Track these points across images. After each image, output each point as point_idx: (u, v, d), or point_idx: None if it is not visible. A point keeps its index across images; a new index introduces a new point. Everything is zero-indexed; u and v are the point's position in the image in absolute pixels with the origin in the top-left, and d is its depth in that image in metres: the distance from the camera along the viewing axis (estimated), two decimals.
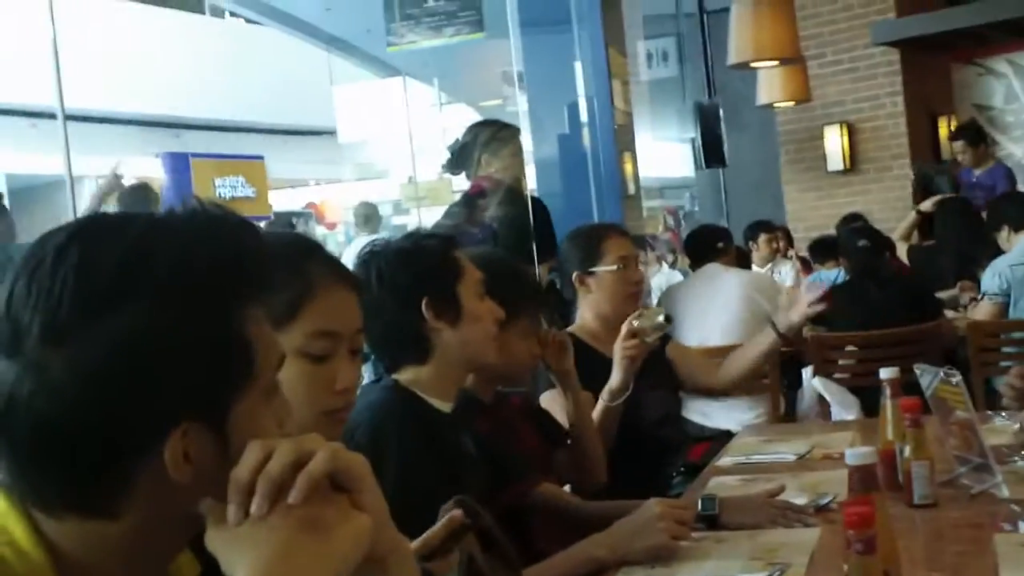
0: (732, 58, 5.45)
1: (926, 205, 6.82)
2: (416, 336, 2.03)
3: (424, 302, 2.02)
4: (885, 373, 2.22)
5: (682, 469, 2.98)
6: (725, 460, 2.78)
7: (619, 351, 2.83)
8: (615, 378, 2.83)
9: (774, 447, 2.86)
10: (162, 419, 0.90)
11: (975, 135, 7.59)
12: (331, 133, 13.41)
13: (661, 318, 2.87)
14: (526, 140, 5.27)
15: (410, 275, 2.03)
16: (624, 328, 2.83)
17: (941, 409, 2.23)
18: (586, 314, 3.18)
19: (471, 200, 4.06)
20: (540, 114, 5.61)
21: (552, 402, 2.75)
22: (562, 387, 2.65)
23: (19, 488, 0.94)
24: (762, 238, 7.88)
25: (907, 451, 2.09)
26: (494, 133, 4.17)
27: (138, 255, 0.91)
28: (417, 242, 2.10)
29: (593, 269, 3.13)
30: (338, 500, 0.94)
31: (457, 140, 4.23)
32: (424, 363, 2.05)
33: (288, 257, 1.48)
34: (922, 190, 7.77)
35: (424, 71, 11.90)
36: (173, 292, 0.91)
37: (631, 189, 5.82)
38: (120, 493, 0.92)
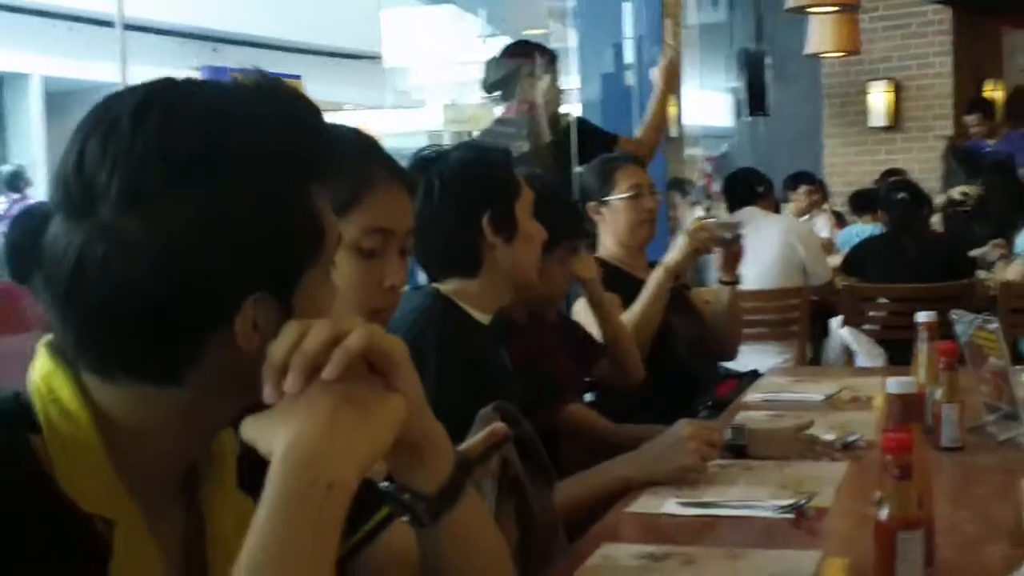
0: (790, 1, 5.38)
1: (956, 193, 6.77)
2: (470, 248, 2.05)
3: (486, 216, 2.04)
4: (922, 317, 2.23)
5: (710, 404, 3.01)
6: (753, 396, 2.80)
7: (683, 234, 3.04)
8: (672, 256, 3.03)
9: (802, 387, 2.88)
10: (239, 287, 0.91)
11: (990, 107, 7.55)
12: (372, 58, 13.31)
13: (729, 234, 3.17)
14: (573, 77, 5.23)
15: (475, 187, 2.04)
16: (694, 222, 3.05)
17: (975, 356, 2.24)
18: (606, 241, 3.25)
19: (513, 123, 4.07)
20: (588, 50, 5.57)
21: (586, 311, 2.80)
22: (590, 297, 2.71)
23: (73, 349, 0.94)
24: (802, 189, 7.83)
25: (939, 394, 2.10)
26: (539, 61, 4.16)
27: (218, 122, 0.91)
28: (481, 155, 2.11)
29: (606, 199, 3.19)
30: (374, 381, 0.95)
31: (494, 60, 4.21)
32: (472, 276, 2.06)
33: (348, 148, 1.50)
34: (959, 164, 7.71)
35: (470, 1, 11.80)
36: (251, 161, 0.91)
37: (674, 132, 5.79)
38: (188, 359, 0.92)
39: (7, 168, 9.23)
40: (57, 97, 12.92)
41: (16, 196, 8.67)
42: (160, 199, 0.88)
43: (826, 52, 7.66)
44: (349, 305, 1.41)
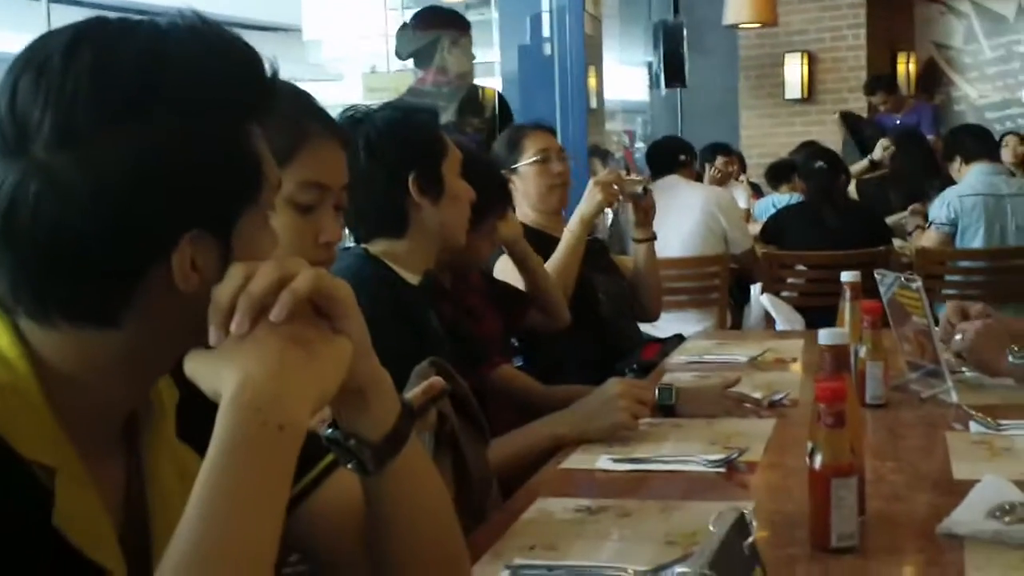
0: None
1: (877, 153, 6.91)
2: (397, 209, 2.04)
3: (411, 177, 2.02)
4: (847, 276, 2.26)
5: (634, 367, 3.03)
6: (678, 359, 2.83)
7: (593, 184, 3.09)
8: (584, 206, 3.07)
9: (727, 350, 2.91)
10: (174, 224, 0.89)
11: (890, 82, 7.72)
12: (289, 30, 13.14)
13: (640, 188, 3.20)
14: (494, 50, 5.22)
15: (401, 148, 2.02)
16: (606, 175, 3.13)
17: (898, 314, 2.27)
18: (522, 207, 3.25)
19: (427, 92, 4.08)
20: (509, 20, 5.55)
21: (505, 269, 2.80)
22: (514, 255, 2.73)
23: (12, 296, 0.92)
24: (719, 160, 7.90)
25: (863, 352, 2.14)
26: (457, 31, 4.19)
27: (154, 62, 0.89)
28: (408, 115, 2.09)
29: (515, 166, 3.19)
30: (320, 324, 0.94)
31: (406, 27, 4.20)
32: (399, 237, 2.06)
33: (284, 102, 1.47)
34: (850, 134, 7.90)
35: None
36: (188, 101, 0.89)
37: (594, 103, 5.80)
38: (125, 300, 0.90)
39: None
40: None
41: None
42: (93, 137, 0.86)
43: (744, 23, 7.74)
44: None
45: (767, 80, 9.39)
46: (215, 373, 0.89)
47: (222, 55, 0.93)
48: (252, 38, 0.99)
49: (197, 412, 1.00)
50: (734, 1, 7.59)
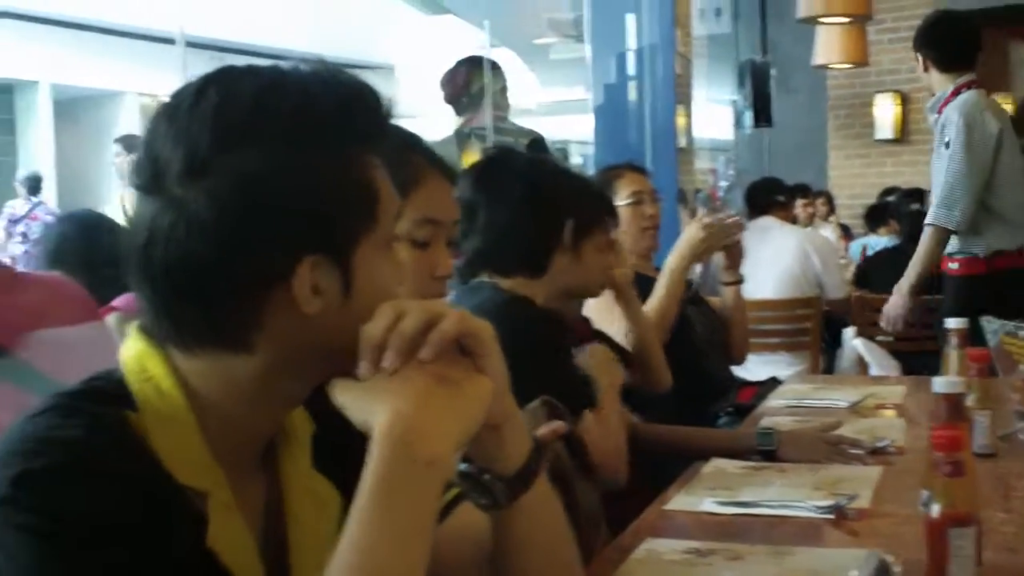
0: (800, 12, 5.42)
1: None
2: (545, 251, 2.11)
3: (569, 224, 2.10)
4: (952, 323, 2.24)
5: (731, 409, 3.02)
6: (776, 402, 2.81)
7: (700, 227, 3.12)
8: (681, 248, 3.10)
9: (825, 394, 2.89)
10: (292, 249, 0.94)
11: None
12: (380, 68, 13.39)
13: (737, 234, 3.22)
14: (587, 88, 5.31)
15: (564, 195, 2.12)
16: (700, 219, 3.16)
17: (1005, 362, 2.25)
18: None
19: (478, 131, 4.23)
20: (601, 59, 5.59)
21: (597, 312, 2.82)
22: (619, 296, 2.73)
23: (156, 326, 0.98)
24: (798, 203, 7.86)
25: (970, 400, 2.11)
26: (502, 76, 4.41)
27: (271, 94, 0.96)
28: (571, 169, 2.19)
29: None
30: (464, 362, 0.98)
31: (449, 73, 4.37)
32: (536, 277, 2.11)
33: (394, 144, 1.53)
34: None
35: (470, 12, 11.85)
36: (301, 129, 0.95)
37: (683, 142, 5.82)
38: (253, 324, 0.95)
39: (26, 173, 9.39)
40: (64, 104, 12.97)
41: (35, 199, 8.82)
42: (214, 166, 0.92)
43: (834, 63, 7.70)
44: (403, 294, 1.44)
45: (857, 120, 9.30)
46: (366, 407, 0.94)
47: (338, 89, 0.99)
48: None
49: (331, 445, 1.07)
50: (824, 41, 7.56)
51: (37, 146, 12.73)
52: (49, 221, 8.60)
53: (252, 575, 0.98)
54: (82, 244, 2.49)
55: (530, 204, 2.04)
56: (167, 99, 0.98)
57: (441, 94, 4.38)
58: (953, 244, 3.85)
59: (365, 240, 0.98)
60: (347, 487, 1.04)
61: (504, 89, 4.39)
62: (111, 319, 2.32)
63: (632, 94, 5.54)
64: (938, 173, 3.86)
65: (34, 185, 9.02)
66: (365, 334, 0.95)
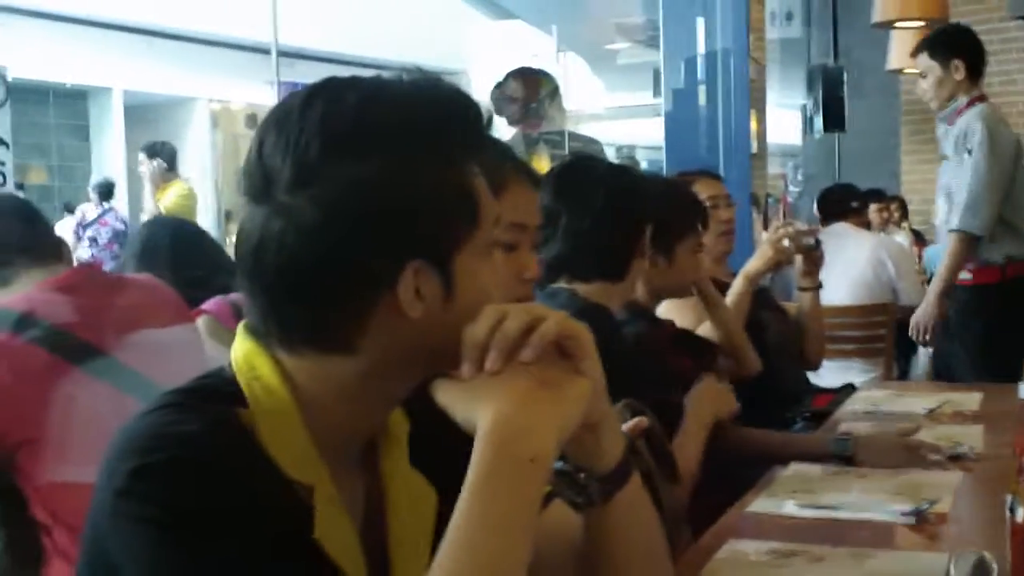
0: (875, 16, 5.37)
1: None
2: (625, 258, 2.14)
3: (649, 230, 2.15)
4: None
5: (807, 415, 3.02)
6: (853, 408, 2.81)
7: (766, 243, 3.12)
8: (754, 264, 3.09)
9: (902, 401, 2.88)
10: (397, 255, 0.97)
11: None
12: (450, 73, 13.50)
13: (812, 240, 3.20)
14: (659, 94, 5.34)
15: (642, 202, 2.16)
16: (775, 229, 3.17)
17: None
18: None
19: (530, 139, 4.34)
20: (671, 65, 5.60)
21: (670, 310, 2.85)
22: (704, 296, 2.77)
23: (264, 327, 1.02)
24: (872, 207, 7.78)
25: None
26: (555, 86, 4.48)
27: (375, 104, 0.99)
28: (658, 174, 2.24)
29: None
30: (563, 364, 1.01)
31: (499, 85, 4.47)
32: (615, 283, 2.14)
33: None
34: None
35: (539, 17, 11.89)
36: (405, 138, 0.98)
37: (755, 147, 5.80)
38: (357, 326, 0.99)
39: (100, 179, 9.61)
40: (136, 110, 13.21)
41: (106, 205, 9.02)
42: (322, 175, 0.96)
43: (911, 67, 7.60)
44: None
45: (931, 125, 9.16)
46: (470, 406, 0.97)
47: (439, 98, 1.03)
48: None
49: (427, 443, 1.10)
50: (898, 46, 7.47)
51: (109, 152, 12.97)
52: (119, 227, 8.79)
53: (355, 566, 1.02)
54: (171, 248, 2.56)
55: (610, 211, 2.07)
56: (274, 110, 1.02)
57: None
58: None
59: (466, 246, 1.01)
60: (441, 484, 1.08)
61: (559, 99, 4.49)
62: (201, 322, 2.38)
63: (703, 99, 5.54)
64: (954, 180, 3.95)
65: (106, 191, 9.21)
66: (468, 336, 0.98)
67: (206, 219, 11.53)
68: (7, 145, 6.85)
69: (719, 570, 1.53)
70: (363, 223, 0.96)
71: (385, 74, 1.05)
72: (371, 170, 0.96)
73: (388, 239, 0.97)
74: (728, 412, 2.20)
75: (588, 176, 2.10)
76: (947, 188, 4.01)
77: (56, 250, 2.04)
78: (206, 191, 13.71)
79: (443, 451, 1.06)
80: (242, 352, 1.03)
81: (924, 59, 4.04)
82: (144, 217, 6.53)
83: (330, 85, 1.02)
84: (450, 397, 0.99)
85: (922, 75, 4.07)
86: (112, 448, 0.97)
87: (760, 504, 1.87)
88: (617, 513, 1.09)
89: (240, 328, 1.06)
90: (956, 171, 3.94)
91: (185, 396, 1.01)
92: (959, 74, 3.97)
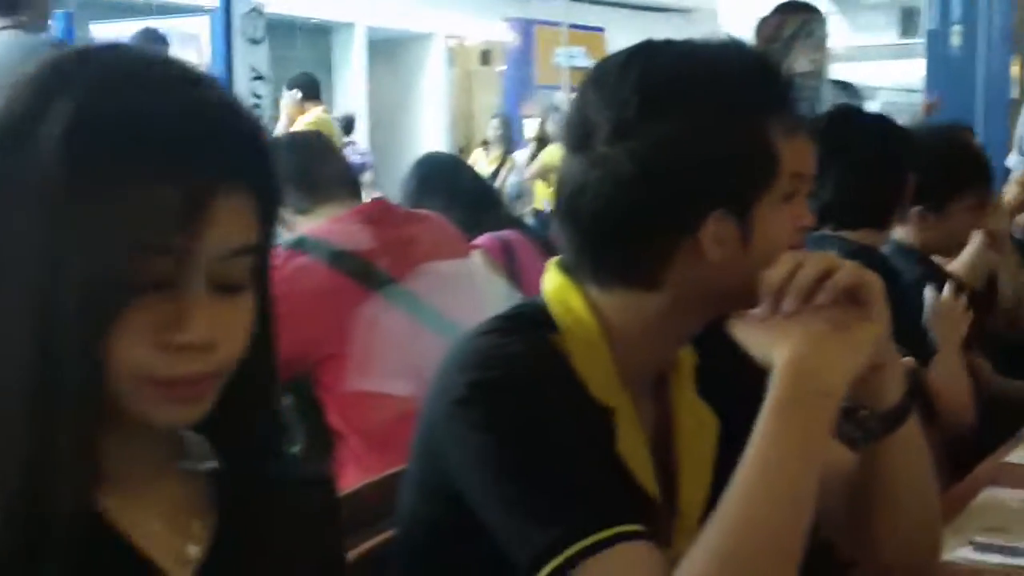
0: None
1: None
2: (890, 206, 2.20)
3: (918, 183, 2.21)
4: None
5: None
6: None
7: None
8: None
9: None
10: (702, 203, 1.09)
11: None
12: (678, 11, 13.37)
13: None
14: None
15: (933, 161, 2.26)
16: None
17: None
18: None
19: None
20: (929, 5, 5.43)
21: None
22: (998, 249, 2.76)
23: (577, 264, 1.16)
24: None
25: None
26: (806, 21, 4.11)
27: (689, 66, 1.11)
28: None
29: None
30: (853, 309, 1.09)
31: (765, 19, 4.17)
32: (880, 231, 2.21)
33: None
34: None
35: None
36: (716, 97, 1.10)
37: (1015, 93, 5.56)
38: (662, 267, 1.11)
39: (342, 114, 10.05)
40: (377, 45, 13.65)
41: (347, 139, 9.43)
42: (638, 130, 1.08)
43: None
44: None
45: None
46: (767, 343, 1.07)
47: (747, 61, 1.14)
48: (638, 19, 1.19)
49: (713, 376, 1.22)
50: None
51: (351, 86, 13.46)
52: (358, 161, 9.17)
53: (649, 480, 1.14)
54: (443, 185, 2.72)
55: (878, 161, 2.12)
56: (595, 70, 1.16)
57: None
58: None
59: (764, 197, 1.12)
60: (725, 413, 1.20)
61: (822, 37, 4.25)
62: (477, 256, 2.53)
63: (956, 40, 5.35)
64: None
65: (348, 126, 9.63)
66: (767, 280, 1.08)
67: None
68: (264, 79, 7.28)
69: (977, 514, 1.57)
70: (674, 174, 1.08)
71: (697, 39, 1.16)
72: (683, 126, 1.08)
73: (695, 189, 1.09)
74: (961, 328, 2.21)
75: (855, 126, 2.16)
76: None
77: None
78: (440, 126, 14.11)
79: (727, 383, 1.18)
80: (555, 285, 1.17)
81: None
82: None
83: (647, 48, 1.14)
84: (748, 335, 1.10)
85: None
86: (447, 364, 1.13)
87: (1017, 455, 1.89)
88: (893, 450, 1.17)
89: (552, 264, 1.20)
90: None
91: (508, 322, 1.16)
92: None
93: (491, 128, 9.78)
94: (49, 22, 3.82)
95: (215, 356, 0.76)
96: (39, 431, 0.73)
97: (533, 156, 8.68)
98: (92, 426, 0.75)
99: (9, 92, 0.76)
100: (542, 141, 8.66)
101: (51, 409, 0.73)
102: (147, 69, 0.77)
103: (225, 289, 0.76)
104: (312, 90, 7.32)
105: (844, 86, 4.30)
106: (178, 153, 0.72)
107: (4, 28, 3.45)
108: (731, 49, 1.15)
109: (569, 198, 1.13)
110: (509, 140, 9.53)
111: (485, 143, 9.82)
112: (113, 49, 0.81)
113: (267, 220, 0.79)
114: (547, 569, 1.00)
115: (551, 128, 8.32)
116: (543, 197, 8.21)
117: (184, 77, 0.77)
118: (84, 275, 0.71)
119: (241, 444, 0.84)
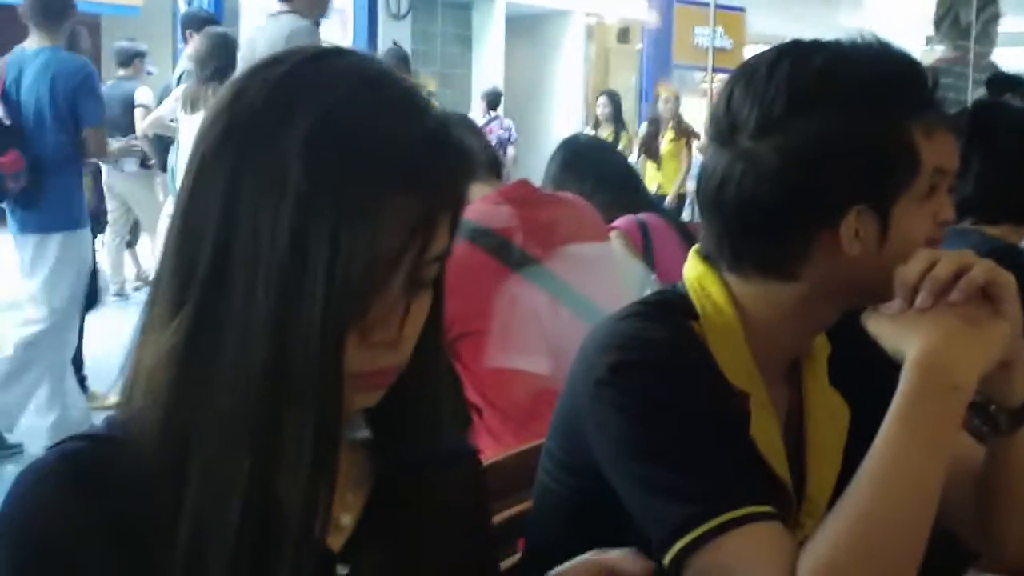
0: None
1: None
2: None
3: None
4: None
5: None
6: None
7: None
8: None
9: None
10: (844, 198, 1.13)
11: None
12: None
13: None
14: None
15: None
16: None
17: None
18: None
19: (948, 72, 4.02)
20: None
21: None
22: None
23: (718, 253, 1.21)
24: None
25: None
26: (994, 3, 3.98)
27: (837, 66, 1.15)
28: None
29: None
30: (985, 306, 1.12)
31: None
32: (1022, 226, 2.20)
33: None
34: None
35: None
36: (862, 97, 1.13)
37: None
38: (801, 258, 1.15)
39: (488, 88, 10.17)
40: (515, 20, 13.72)
41: (492, 114, 9.55)
42: (784, 126, 1.13)
43: None
44: None
45: None
46: (900, 337, 1.11)
47: (892, 61, 1.17)
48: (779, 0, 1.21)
49: (846, 366, 1.27)
50: None
51: (489, 61, 13.55)
52: (503, 135, 9.27)
53: (780, 464, 1.19)
54: (590, 167, 2.75)
55: (1019, 155, 2.12)
56: (743, 66, 1.20)
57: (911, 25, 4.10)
58: None
59: (904, 195, 1.16)
60: (856, 403, 1.25)
61: (993, 17, 4.16)
62: (615, 237, 2.57)
63: None
64: None
65: (493, 100, 9.76)
66: (902, 275, 1.12)
67: (575, 130, 11.88)
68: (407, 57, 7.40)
69: None
70: (817, 170, 1.12)
71: (843, 39, 1.20)
72: (829, 124, 1.12)
73: (838, 185, 1.13)
74: None
75: (1000, 120, 2.15)
76: None
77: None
78: (576, 104, 14.13)
79: (860, 373, 1.22)
80: (695, 273, 1.23)
81: None
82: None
83: (796, 47, 1.19)
84: (881, 328, 1.14)
85: None
86: (590, 345, 1.20)
87: None
88: (1020, 446, 1.20)
89: (693, 252, 1.26)
90: None
91: (650, 307, 1.22)
92: None
93: (599, 106, 9.74)
94: (325, 14, 4.03)
95: (405, 348, 0.84)
96: (275, 426, 0.79)
97: (645, 137, 8.72)
98: (336, 429, 0.80)
99: (247, 82, 0.81)
100: (654, 122, 8.69)
101: (290, 404, 0.78)
102: (381, 79, 0.82)
103: (416, 286, 0.83)
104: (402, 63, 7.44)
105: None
106: (418, 173, 0.79)
107: (281, 13, 3.75)
108: (878, 50, 1.18)
109: (713, 190, 1.17)
110: (619, 118, 9.52)
111: (597, 122, 9.73)
112: (342, 56, 0.85)
113: (455, 226, 0.86)
114: (680, 543, 1.05)
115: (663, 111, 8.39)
116: (652, 180, 8.26)
117: (414, 98, 0.83)
118: (330, 274, 0.76)
119: (404, 422, 0.91)
